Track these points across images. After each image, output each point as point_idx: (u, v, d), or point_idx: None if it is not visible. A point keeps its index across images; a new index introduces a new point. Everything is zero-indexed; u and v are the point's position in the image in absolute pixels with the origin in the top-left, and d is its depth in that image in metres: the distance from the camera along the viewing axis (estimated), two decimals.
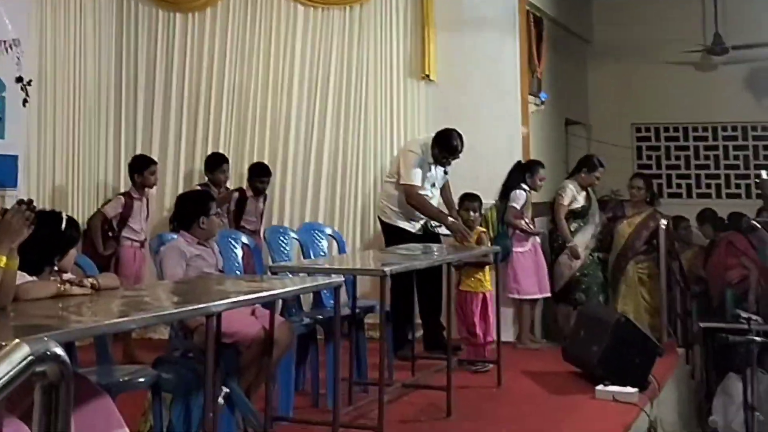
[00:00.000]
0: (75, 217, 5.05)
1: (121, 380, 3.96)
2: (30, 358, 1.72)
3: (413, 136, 8.05)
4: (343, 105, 8.16)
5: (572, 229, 7.96)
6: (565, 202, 7.96)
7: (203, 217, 5.12)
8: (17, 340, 1.76)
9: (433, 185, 7.27)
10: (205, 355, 4.08)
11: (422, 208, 7.12)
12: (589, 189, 8.16)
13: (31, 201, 3.44)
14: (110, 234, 6.97)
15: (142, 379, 4.08)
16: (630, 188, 8.33)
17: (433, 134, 7.19)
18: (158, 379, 4.13)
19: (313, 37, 8.23)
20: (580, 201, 8.02)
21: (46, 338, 1.83)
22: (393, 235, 7.12)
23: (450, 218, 7.05)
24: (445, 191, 7.43)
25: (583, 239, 7.98)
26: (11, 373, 1.69)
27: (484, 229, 7.11)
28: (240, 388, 4.60)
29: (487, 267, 6.68)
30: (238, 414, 4.63)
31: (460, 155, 7.14)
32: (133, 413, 4.12)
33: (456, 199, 7.34)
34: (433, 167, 7.18)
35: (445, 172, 7.32)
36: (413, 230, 7.21)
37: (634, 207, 8.25)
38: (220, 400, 4.27)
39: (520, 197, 7.66)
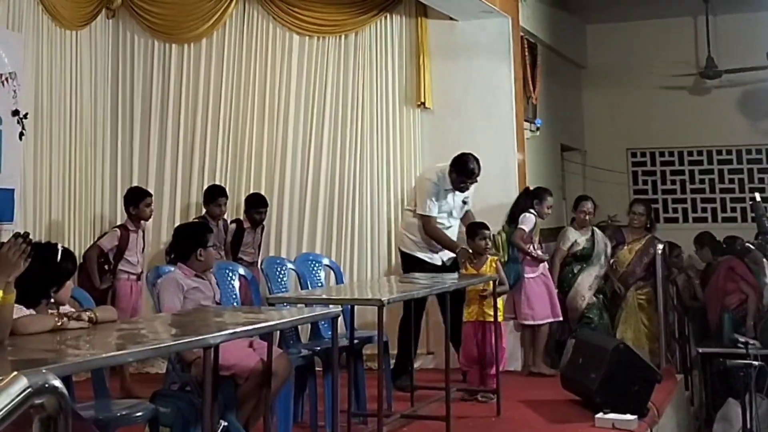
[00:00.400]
0: (71, 249, 5.02)
1: (118, 415, 3.96)
2: (28, 390, 1.72)
3: (409, 164, 8.10)
4: (339, 134, 8.16)
5: (575, 271, 7.95)
6: (564, 247, 7.99)
7: (200, 249, 5.13)
8: (15, 373, 1.76)
9: (451, 214, 7.23)
10: (202, 388, 4.08)
11: (437, 238, 7.11)
12: (594, 231, 8.12)
13: (27, 234, 3.44)
14: (106, 267, 6.93)
15: (139, 414, 4.07)
16: (631, 214, 8.31)
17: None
18: (156, 413, 4.13)
19: (308, 65, 8.26)
20: (581, 244, 8.01)
21: (44, 371, 1.83)
22: (412, 266, 7.10)
23: (462, 247, 6.97)
24: (467, 220, 7.35)
25: (587, 281, 7.96)
26: (9, 405, 1.69)
27: (496, 256, 7.01)
28: (238, 420, 4.59)
29: (498, 296, 6.61)
30: None
31: (477, 179, 7.10)
32: None
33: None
34: (451, 195, 7.16)
35: (464, 202, 7.28)
36: (432, 261, 7.18)
37: (634, 233, 8.24)
38: None
39: (529, 221, 7.62)
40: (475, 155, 7.14)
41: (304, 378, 5.61)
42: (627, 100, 10.83)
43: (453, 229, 7.26)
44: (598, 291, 7.99)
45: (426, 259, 7.16)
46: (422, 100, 8.11)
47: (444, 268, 7.12)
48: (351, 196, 8.09)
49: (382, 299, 4.86)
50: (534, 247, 7.65)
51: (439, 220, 7.14)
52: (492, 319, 6.55)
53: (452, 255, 7.12)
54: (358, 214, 8.06)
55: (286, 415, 5.16)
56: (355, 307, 6.00)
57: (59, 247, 4.04)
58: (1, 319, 3.27)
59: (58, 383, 1.80)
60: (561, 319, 7.72)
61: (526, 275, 7.57)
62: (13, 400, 1.72)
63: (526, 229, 7.57)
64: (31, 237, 3.45)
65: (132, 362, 5.60)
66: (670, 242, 9.06)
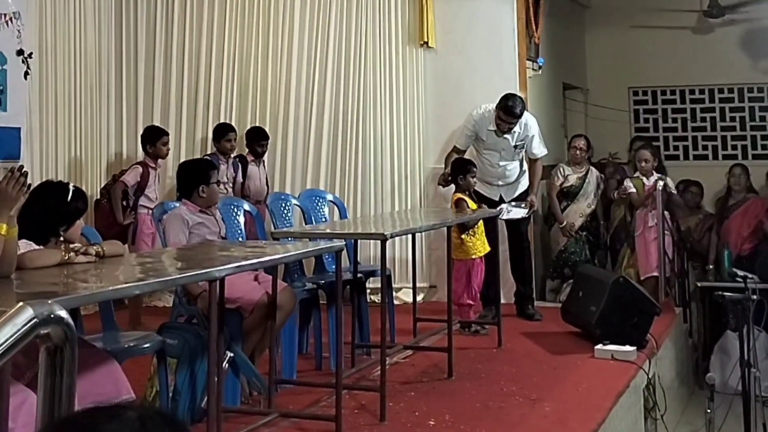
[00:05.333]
0: (80, 187, 5.08)
1: (126, 346, 4.02)
2: (34, 320, 1.74)
3: (412, 102, 8.14)
4: (342, 72, 8.17)
5: (562, 207, 8.16)
6: (556, 183, 8.23)
7: (203, 186, 5.15)
8: (21, 303, 1.79)
9: (501, 155, 7.18)
10: (208, 321, 4.18)
11: (445, 165, 7.21)
12: (590, 170, 8.26)
13: (21, 167, 3.46)
14: (124, 203, 7.05)
15: (147, 345, 4.14)
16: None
17: None
18: (163, 345, 4.21)
19: (311, 3, 8.24)
20: (571, 181, 8.17)
21: (50, 302, 1.88)
22: (480, 200, 7.11)
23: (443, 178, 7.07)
24: (533, 170, 7.36)
25: (571, 217, 8.21)
26: (15, 335, 1.71)
27: (459, 195, 6.96)
28: (244, 352, 4.68)
29: (473, 232, 6.67)
30: (242, 378, 4.73)
31: (517, 120, 7.03)
32: (138, 379, 4.15)
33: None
34: (495, 134, 7.11)
35: (517, 147, 7.18)
36: (490, 195, 7.22)
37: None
38: (225, 364, 4.35)
39: None
40: (521, 96, 7.20)
41: (309, 311, 5.71)
42: (630, 39, 10.74)
43: (503, 170, 7.23)
44: (582, 228, 8.18)
45: (483, 193, 7.22)
46: (425, 40, 8.10)
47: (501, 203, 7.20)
48: (354, 133, 8.13)
49: (385, 233, 4.95)
50: None
51: (485, 156, 7.19)
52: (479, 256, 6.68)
53: (516, 191, 7.29)
54: (361, 152, 8.11)
55: (290, 347, 5.25)
56: (359, 241, 6.08)
57: (70, 186, 4.04)
58: (6, 252, 3.29)
59: (63, 314, 1.81)
60: None
61: None
62: (19, 330, 1.73)
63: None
64: (26, 170, 3.46)
65: (139, 295, 5.66)
66: (690, 179, 9.15)
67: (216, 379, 3.95)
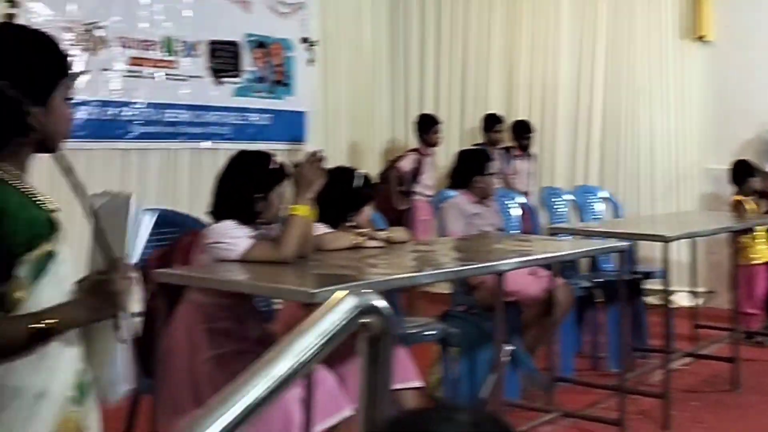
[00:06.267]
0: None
1: (411, 333, 4.05)
2: (357, 309, 1.74)
3: (688, 99, 7.80)
4: (612, 67, 7.97)
5: None
6: None
7: (478, 176, 5.14)
8: (345, 292, 1.80)
9: None
10: (488, 312, 4.15)
11: None
12: None
13: (319, 151, 3.57)
14: (400, 189, 7.18)
15: (432, 332, 4.16)
16: None
17: None
18: (446, 333, 4.20)
19: None
20: None
21: (369, 291, 1.88)
22: None
23: None
24: None
25: None
26: (341, 323, 1.74)
27: (739, 197, 6.54)
28: (523, 346, 4.62)
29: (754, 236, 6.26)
30: (520, 372, 4.67)
31: None
32: (417, 365, 4.20)
33: None
34: None
35: None
36: None
37: None
38: (505, 357, 4.29)
39: None
40: None
41: (583, 309, 5.57)
42: None
43: None
44: None
45: None
46: (702, 33, 7.69)
47: None
48: (626, 129, 7.91)
49: (667, 236, 4.76)
50: None
51: None
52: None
53: None
54: (634, 148, 7.87)
55: (568, 345, 5.18)
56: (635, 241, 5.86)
57: (358, 172, 4.09)
58: (306, 234, 3.40)
59: (383, 304, 1.82)
60: None
61: None
62: (344, 318, 1.75)
63: None
64: (323, 154, 3.56)
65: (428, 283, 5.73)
66: None
67: (498, 371, 3.95)
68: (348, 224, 3.97)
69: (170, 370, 3.20)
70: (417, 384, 3.57)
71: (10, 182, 1.88)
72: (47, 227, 1.89)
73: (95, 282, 1.95)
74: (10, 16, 5.14)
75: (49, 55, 1.95)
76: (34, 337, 1.81)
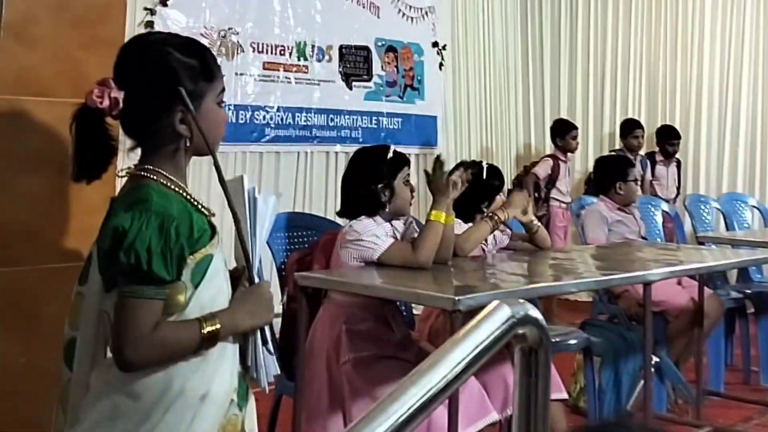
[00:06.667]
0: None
1: (553, 341, 3.93)
2: (512, 320, 1.68)
3: None
4: (760, 69, 7.65)
5: None
6: None
7: (620, 183, 5.03)
8: (497, 301, 1.74)
9: None
10: (631, 321, 4.02)
11: None
12: None
13: (472, 163, 3.53)
14: (536, 195, 7.08)
15: (574, 341, 4.06)
16: None
17: None
18: (589, 342, 4.09)
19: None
20: None
21: (522, 301, 1.81)
22: None
23: None
24: None
25: None
26: (496, 333, 1.69)
27: None
28: (669, 357, 4.47)
29: None
30: (667, 384, 4.51)
31: None
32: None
33: None
34: None
35: None
36: None
37: None
38: (651, 369, 4.14)
39: None
40: None
41: (734, 321, 5.35)
42: None
43: None
44: None
45: None
46: None
47: None
48: None
49: None
50: None
51: None
52: None
53: None
54: None
55: (717, 358, 4.99)
56: None
57: (484, 163, 4.09)
58: (445, 239, 3.37)
59: (538, 314, 1.77)
60: None
61: None
62: (498, 328, 1.70)
63: None
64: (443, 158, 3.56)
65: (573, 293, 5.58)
66: None
67: (645, 382, 3.82)
68: (483, 216, 3.92)
69: (310, 372, 3.19)
70: (561, 396, 3.46)
71: (171, 187, 1.92)
72: (207, 231, 1.92)
73: (249, 289, 2.02)
74: (149, 24, 5.26)
75: (200, 61, 1.97)
76: (203, 341, 1.87)
